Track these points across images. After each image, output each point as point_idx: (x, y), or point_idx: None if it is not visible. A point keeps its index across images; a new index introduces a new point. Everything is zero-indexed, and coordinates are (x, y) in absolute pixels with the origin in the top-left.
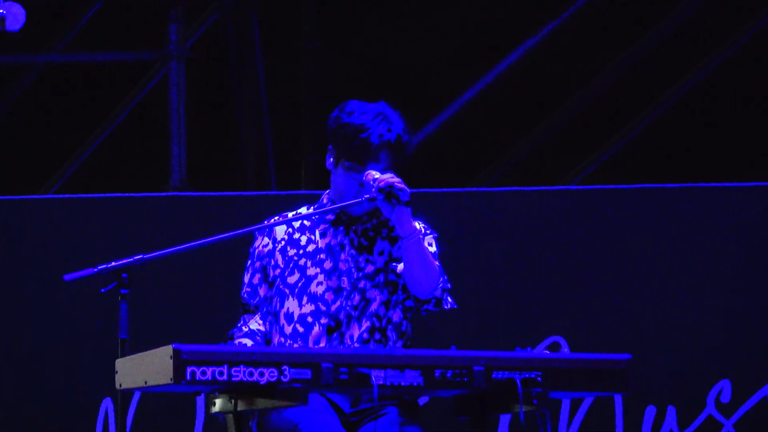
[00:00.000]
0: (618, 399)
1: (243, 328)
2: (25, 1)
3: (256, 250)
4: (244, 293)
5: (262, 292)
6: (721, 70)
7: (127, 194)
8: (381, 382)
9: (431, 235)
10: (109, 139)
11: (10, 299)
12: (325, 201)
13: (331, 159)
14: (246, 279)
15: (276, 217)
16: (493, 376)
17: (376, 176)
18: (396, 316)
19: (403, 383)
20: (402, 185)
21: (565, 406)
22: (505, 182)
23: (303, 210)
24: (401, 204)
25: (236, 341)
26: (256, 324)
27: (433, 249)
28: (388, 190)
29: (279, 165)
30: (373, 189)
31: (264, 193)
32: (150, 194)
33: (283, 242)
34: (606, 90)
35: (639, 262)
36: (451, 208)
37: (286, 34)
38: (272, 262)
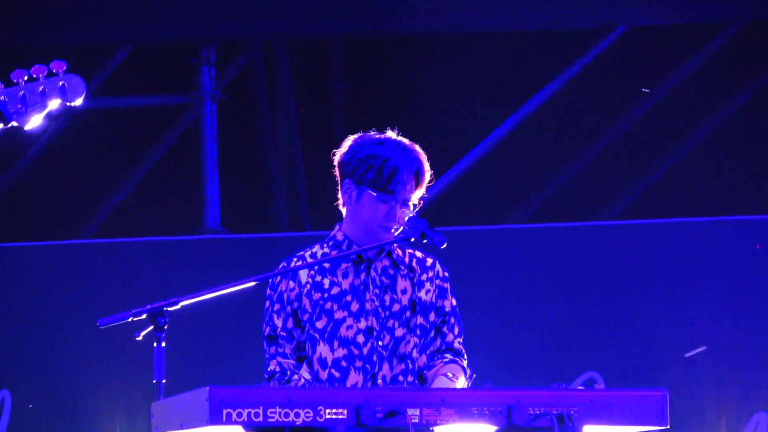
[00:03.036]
0: None
1: (295, 378)
2: (54, 47)
3: (284, 294)
4: (279, 336)
5: (296, 335)
6: (747, 107)
7: (161, 237)
8: (417, 421)
9: (449, 290)
10: (143, 183)
11: (48, 344)
12: (340, 238)
13: (351, 194)
14: (278, 322)
15: (294, 259)
16: (530, 412)
17: (410, 215)
18: (424, 362)
19: (439, 421)
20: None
21: None
22: (537, 219)
23: (317, 249)
24: (435, 245)
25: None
26: (306, 373)
27: (454, 303)
28: (422, 230)
29: (312, 205)
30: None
31: (298, 234)
32: (185, 237)
33: (308, 286)
34: (636, 125)
35: (675, 296)
36: (484, 245)
37: (316, 76)
38: (301, 306)
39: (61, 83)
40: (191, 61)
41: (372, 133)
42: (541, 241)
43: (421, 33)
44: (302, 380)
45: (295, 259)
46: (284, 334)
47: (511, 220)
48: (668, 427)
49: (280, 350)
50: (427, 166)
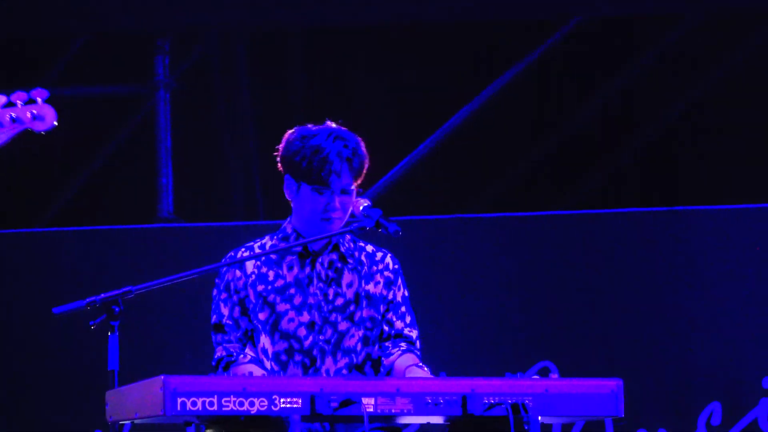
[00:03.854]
0: (609, 423)
1: (242, 357)
2: (11, 37)
3: (231, 283)
4: (224, 325)
5: (242, 324)
6: (712, 92)
7: (116, 226)
8: (372, 411)
9: (401, 280)
10: (97, 172)
11: (0, 332)
12: (289, 231)
13: (291, 188)
14: (224, 311)
15: (242, 249)
16: (484, 402)
17: (365, 204)
18: (375, 352)
19: (393, 411)
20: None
21: (556, 430)
22: (493, 208)
23: (267, 240)
24: (390, 234)
25: (240, 367)
26: (252, 352)
27: (405, 293)
28: (377, 219)
29: (266, 195)
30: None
31: (253, 223)
32: (139, 226)
33: (253, 276)
34: (595, 114)
35: (628, 286)
36: (439, 235)
37: (272, 65)
38: (246, 297)
39: (34, 111)
40: (147, 50)
41: (310, 125)
42: (497, 230)
43: (377, 24)
44: (248, 356)
45: (243, 250)
46: (230, 322)
47: (467, 209)
48: (623, 416)
49: (226, 338)
50: (363, 149)
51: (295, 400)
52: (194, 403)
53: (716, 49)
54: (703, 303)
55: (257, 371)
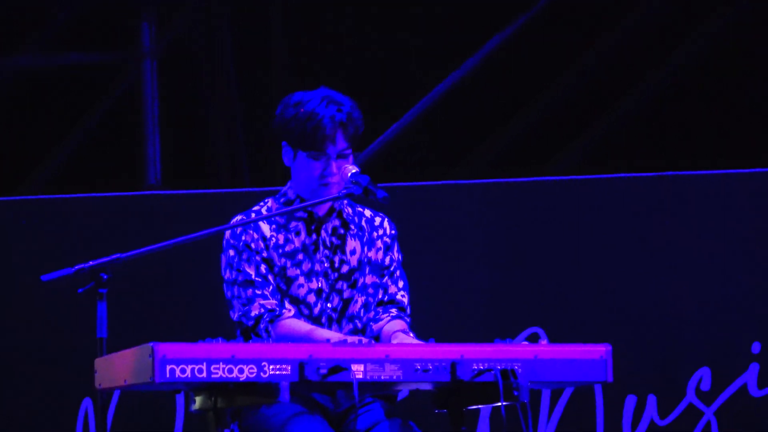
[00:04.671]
0: (598, 389)
1: (285, 312)
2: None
3: (252, 243)
4: (255, 281)
5: (271, 279)
6: (703, 55)
7: (102, 194)
8: (361, 377)
9: (396, 245)
10: (84, 140)
11: None
12: (291, 195)
13: (288, 155)
14: (250, 270)
15: (238, 216)
16: (473, 368)
17: (353, 170)
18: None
19: (383, 377)
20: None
21: (546, 396)
22: (483, 174)
23: (271, 203)
24: (378, 200)
25: (285, 323)
26: (290, 307)
27: (399, 257)
28: (365, 186)
29: (253, 162)
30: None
31: (239, 190)
32: (126, 193)
33: (273, 239)
34: (586, 78)
35: (617, 252)
36: (429, 201)
37: (256, 33)
38: (270, 258)
39: None
40: (133, 20)
41: (305, 91)
42: (486, 196)
43: None
44: (292, 311)
45: (253, 215)
46: (259, 279)
47: (453, 176)
48: (611, 382)
49: (258, 292)
50: (357, 112)
51: (284, 366)
52: (183, 370)
53: (704, 12)
54: (692, 267)
55: (304, 326)
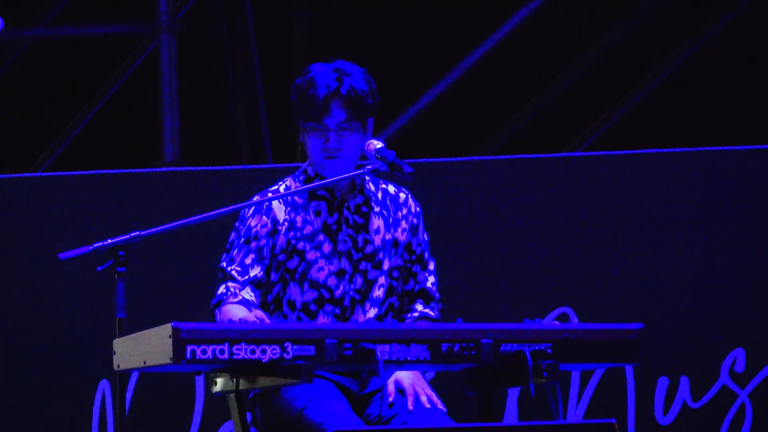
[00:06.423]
0: (629, 370)
1: (231, 297)
2: None
3: (253, 230)
4: (231, 270)
5: (252, 273)
6: (724, 33)
7: (120, 170)
8: (386, 357)
9: (421, 226)
10: (100, 115)
11: (4, 279)
12: (311, 174)
13: (301, 131)
14: (236, 257)
15: (269, 194)
16: (502, 348)
17: (378, 146)
18: (396, 303)
19: (409, 358)
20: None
21: (575, 378)
22: (509, 151)
23: (290, 182)
24: (404, 175)
25: (226, 308)
26: (248, 294)
27: (426, 238)
28: (391, 161)
29: (274, 138)
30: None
31: (259, 166)
32: (144, 170)
33: (286, 224)
34: (607, 55)
35: (649, 230)
36: (455, 178)
37: (277, 4)
38: (271, 245)
39: None
40: None
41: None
42: (512, 173)
43: None
44: (239, 297)
45: (269, 194)
46: (239, 268)
47: (479, 152)
48: (643, 363)
49: (230, 276)
50: (363, 83)
51: (308, 347)
52: (204, 351)
53: None
54: (727, 245)
55: (240, 313)
